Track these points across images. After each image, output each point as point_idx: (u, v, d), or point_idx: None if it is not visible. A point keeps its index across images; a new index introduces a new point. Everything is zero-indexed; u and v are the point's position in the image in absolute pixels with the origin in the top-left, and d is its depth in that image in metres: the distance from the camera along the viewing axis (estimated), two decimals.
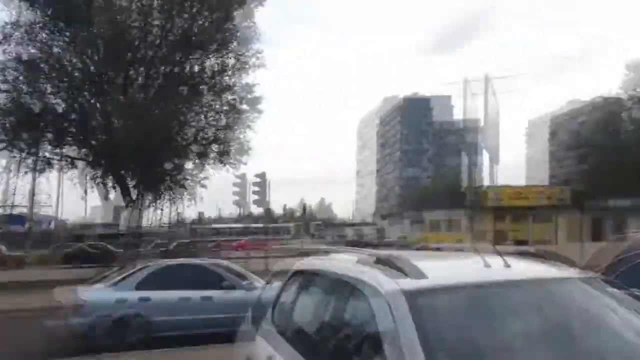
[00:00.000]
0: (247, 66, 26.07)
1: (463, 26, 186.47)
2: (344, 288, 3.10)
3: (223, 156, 26.14)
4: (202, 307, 9.06)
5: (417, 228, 46.97)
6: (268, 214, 22.63)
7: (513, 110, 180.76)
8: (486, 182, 62.33)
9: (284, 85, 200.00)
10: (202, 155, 26.07)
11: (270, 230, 44.74)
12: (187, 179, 26.38)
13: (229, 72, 26.39)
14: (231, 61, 26.34)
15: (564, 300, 2.68)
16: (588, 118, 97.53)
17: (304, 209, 53.00)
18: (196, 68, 26.31)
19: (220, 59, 26.40)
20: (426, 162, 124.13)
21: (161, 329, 8.77)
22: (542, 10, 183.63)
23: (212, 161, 26.20)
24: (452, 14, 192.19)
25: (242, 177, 19.88)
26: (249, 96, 26.73)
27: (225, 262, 11.57)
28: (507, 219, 23.24)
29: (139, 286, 9.11)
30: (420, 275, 2.64)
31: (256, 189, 20.68)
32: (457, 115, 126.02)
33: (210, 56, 26.28)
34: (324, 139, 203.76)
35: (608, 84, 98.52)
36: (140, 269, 9.66)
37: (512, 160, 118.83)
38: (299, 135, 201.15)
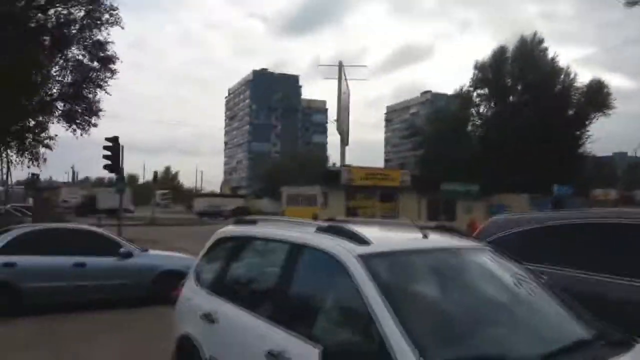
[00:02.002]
0: (98, 22, 24.01)
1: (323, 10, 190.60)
2: (292, 253, 3.25)
3: (69, 115, 23.96)
4: (75, 274, 8.65)
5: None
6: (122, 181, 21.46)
7: (363, 96, 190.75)
8: (333, 161, 66.05)
9: (151, 51, 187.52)
10: (46, 113, 23.62)
11: None
12: (52, 139, 23.92)
13: (76, 26, 24.08)
14: (80, 14, 24.07)
15: (474, 263, 3.23)
16: (419, 109, 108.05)
17: (155, 176, 50.68)
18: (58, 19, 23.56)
19: (67, 9, 23.93)
20: (274, 138, 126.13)
21: (30, 295, 8.23)
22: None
23: (56, 120, 23.88)
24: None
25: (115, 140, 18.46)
26: (101, 54, 24.74)
27: (95, 228, 11.01)
28: (358, 197, 25.35)
29: (2, 251, 8.40)
30: (365, 242, 2.90)
31: (107, 153, 19.46)
32: (305, 95, 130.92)
33: (57, 6, 23.68)
34: (190, 108, 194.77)
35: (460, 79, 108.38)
36: (1, 233, 8.87)
37: (359, 143, 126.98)
38: (163, 102, 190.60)
